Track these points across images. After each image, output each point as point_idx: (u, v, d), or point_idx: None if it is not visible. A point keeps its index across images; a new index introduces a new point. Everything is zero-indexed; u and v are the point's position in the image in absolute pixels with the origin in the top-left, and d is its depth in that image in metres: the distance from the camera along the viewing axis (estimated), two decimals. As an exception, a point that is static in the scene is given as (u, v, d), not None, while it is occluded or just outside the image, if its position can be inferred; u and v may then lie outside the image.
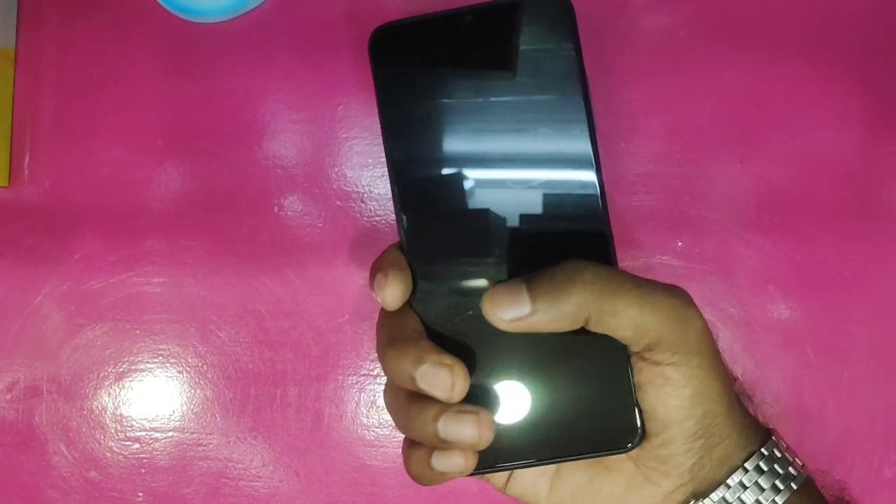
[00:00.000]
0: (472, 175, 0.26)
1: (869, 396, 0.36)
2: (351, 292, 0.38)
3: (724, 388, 0.26)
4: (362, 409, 0.38)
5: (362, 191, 0.38)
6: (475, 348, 0.26)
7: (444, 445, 0.23)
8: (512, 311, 0.24)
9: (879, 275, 0.36)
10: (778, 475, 0.26)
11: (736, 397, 0.27)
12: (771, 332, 0.36)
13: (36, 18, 0.39)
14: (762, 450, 0.27)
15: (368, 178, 0.38)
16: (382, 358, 0.26)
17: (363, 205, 0.38)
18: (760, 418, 0.29)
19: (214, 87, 0.38)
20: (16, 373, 0.39)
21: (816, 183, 0.36)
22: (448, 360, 0.24)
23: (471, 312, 0.26)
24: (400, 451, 0.37)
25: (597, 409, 0.26)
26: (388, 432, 0.38)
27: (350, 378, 0.38)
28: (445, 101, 0.26)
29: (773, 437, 0.28)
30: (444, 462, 0.23)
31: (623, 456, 0.27)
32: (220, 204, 0.38)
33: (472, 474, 0.25)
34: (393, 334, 0.26)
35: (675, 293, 0.26)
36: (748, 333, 0.36)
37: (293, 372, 0.38)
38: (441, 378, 0.23)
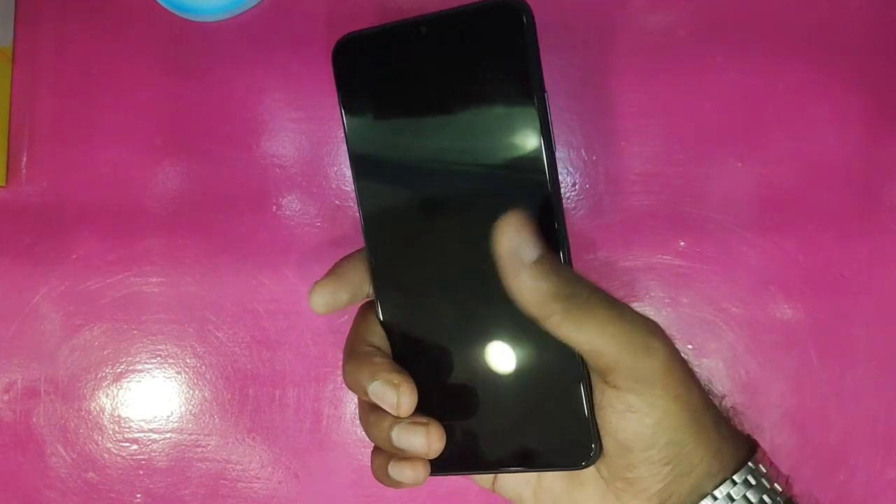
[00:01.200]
0: (431, 185, 0.26)
1: (871, 397, 0.36)
2: (350, 292, 0.37)
3: (693, 417, 0.25)
4: (361, 409, 0.37)
5: (361, 190, 0.38)
6: (437, 355, 0.27)
7: (400, 453, 0.26)
8: (521, 245, 0.24)
9: (881, 275, 0.36)
10: (750, 503, 0.26)
11: (712, 421, 0.26)
12: (773, 332, 0.36)
13: (34, 17, 0.39)
14: (734, 477, 0.26)
15: (368, 178, 0.38)
16: (343, 369, 0.27)
17: (362, 204, 0.38)
18: (743, 434, 0.28)
19: (213, 87, 0.38)
20: (13, 373, 0.38)
21: (818, 182, 0.36)
22: (396, 378, 0.26)
23: (434, 321, 0.27)
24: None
25: (552, 423, 0.26)
26: (387, 433, 0.37)
27: (349, 378, 0.37)
28: (400, 111, 0.26)
29: (751, 463, 0.26)
30: (397, 472, 0.26)
31: (595, 473, 0.27)
32: (218, 203, 0.38)
33: (433, 474, 0.26)
34: (354, 347, 0.28)
35: (640, 323, 0.25)
36: (750, 334, 0.36)
37: (292, 372, 0.38)
38: (388, 395, 0.25)
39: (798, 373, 0.36)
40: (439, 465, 0.26)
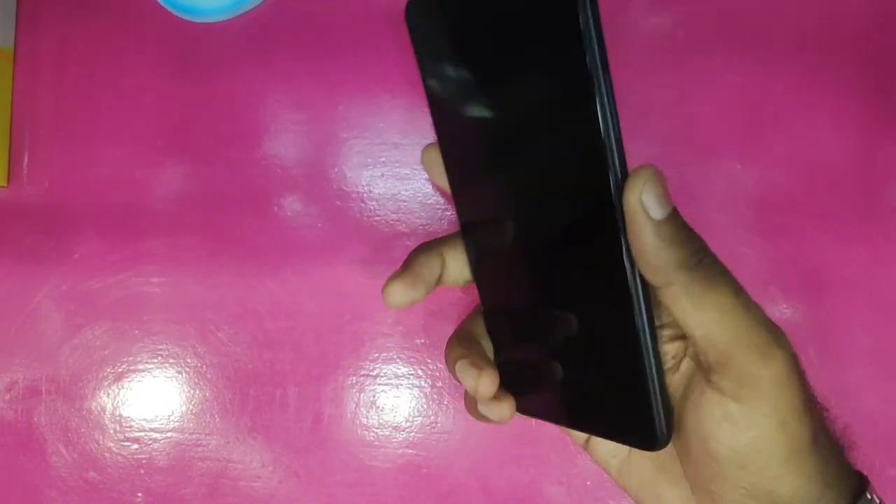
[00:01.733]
0: (492, 163, 0.26)
1: (871, 397, 0.36)
2: (351, 292, 0.37)
3: (796, 453, 0.22)
4: (362, 409, 0.38)
5: (362, 191, 0.38)
6: (519, 321, 0.28)
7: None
8: (653, 199, 0.21)
9: (880, 275, 0.36)
10: None
11: (817, 465, 0.23)
12: (772, 332, 0.36)
13: (35, 18, 0.39)
14: None
15: (368, 178, 0.38)
16: (446, 346, 0.29)
17: (363, 205, 0.38)
18: (853, 471, 0.25)
19: (214, 87, 0.38)
20: (15, 373, 0.38)
21: (816, 184, 0.36)
22: (481, 363, 0.26)
23: (516, 294, 0.28)
24: (399, 451, 0.38)
25: (620, 398, 0.25)
26: (387, 433, 0.37)
27: (350, 378, 0.38)
28: (465, 71, 0.25)
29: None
30: (484, 409, 0.27)
31: (681, 472, 0.26)
32: (219, 204, 0.38)
33: (520, 412, 0.27)
34: (461, 327, 0.29)
35: (766, 324, 0.22)
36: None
37: (293, 372, 0.38)
38: (469, 377, 0.26)
39: (798, 373, 0.36)
40: (524, 408, 0.27)
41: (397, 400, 0.38)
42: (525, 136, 0.25)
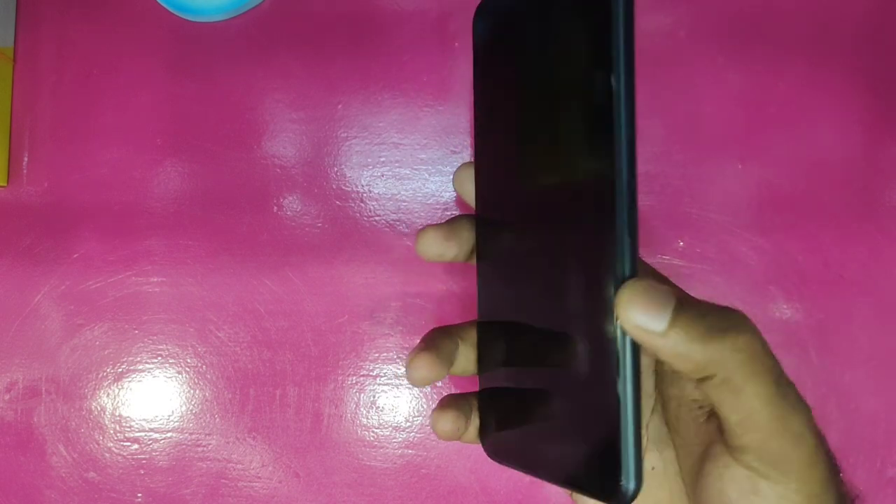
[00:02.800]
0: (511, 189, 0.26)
1: (871, 397, 0.36)
2: (351, 292, 0.37)
3: None
4: (362, 409, 0.37)
5: (362, 191, 0.38)
6: (508, 345, 0.27)
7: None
8: (644, 318, 0.21)
9: (880, 275, 0.36)
10: None
11: None
12: (772, 332, 0.36)
13: (35, 18, 0.39)
14: None
15: (368, 178, 0.38)
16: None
17: (363, 204, 0.38)
18: None
19: (213, 87, 0.38)
20: (14, 373, 0.38)
21: (817, 183, 0.36)
22: (418, 351, 0.26)
23: (508, 306, 0.27)
24: (399, 451, 0.37)
25: (591, 445, 0.24)
26: (387, 433, 0.37)
27: (350, 378, 0.38)
28: (508, 84, 0.25)
29: None
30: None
31: None
32: (219, 203, 0.38)
33: (491, 456, 0.27)
34: (447, 326, 0.29)
35: (798, 404, 0.22)
36: (749, 334, 0.36)
37: (292, 372, 0.38)
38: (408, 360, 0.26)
39: (798, 372, 0.36)
40: (494, 453, 0.27)
41: (397, 400, 0.38)
42: (542, 164, 0.24)
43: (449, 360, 0.27)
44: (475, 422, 0.28)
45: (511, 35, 0.25)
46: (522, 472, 0.28)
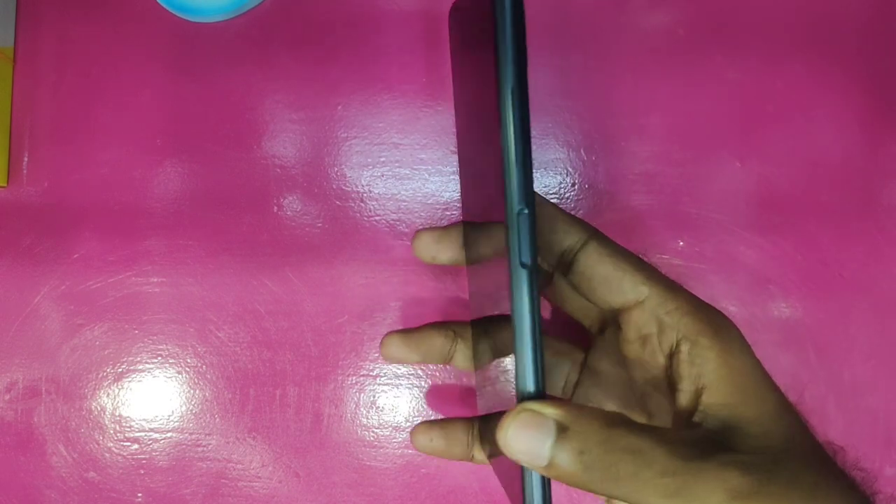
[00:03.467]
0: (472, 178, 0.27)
1: (870, 396, 0.36)
2: (351, 292, 0.37)
3: None
4: (362, 409, 0.38)
5: (362, 191, 0.38)
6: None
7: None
8: (521, 457, 0.21)
9: (879, 274, 0.36)
10: None
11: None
12: (771, 331, 0.36)
13: (35, 18, 0.39)
14: None
15: (368, 178, 0.38)
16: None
17: (363, 204, 0.38)
18: None
19: (213, 87, 0.38)
20: (14, 373, 0.38)
21: (816, 182, 0.36)
22: (393, 333, 0.30)
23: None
24: (399, 451, 0.37)
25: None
26: (387, 433, 0.37)
27: (350, 378, 0.38)
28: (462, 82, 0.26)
29: None
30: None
31: None
32: (219, 204, 0.38)
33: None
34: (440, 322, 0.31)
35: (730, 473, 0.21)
36: (749, 333, 0.36)
37: (292, 372, 0.38)
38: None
39: (797, 371, 0.36)
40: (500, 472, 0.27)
41: (397, 400, 0.38)
42: (482, 146, 0.24)
43: (421, 348, 0.29)
44: (475, 443, 0.29)
45: (468, 34, 0.25)
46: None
